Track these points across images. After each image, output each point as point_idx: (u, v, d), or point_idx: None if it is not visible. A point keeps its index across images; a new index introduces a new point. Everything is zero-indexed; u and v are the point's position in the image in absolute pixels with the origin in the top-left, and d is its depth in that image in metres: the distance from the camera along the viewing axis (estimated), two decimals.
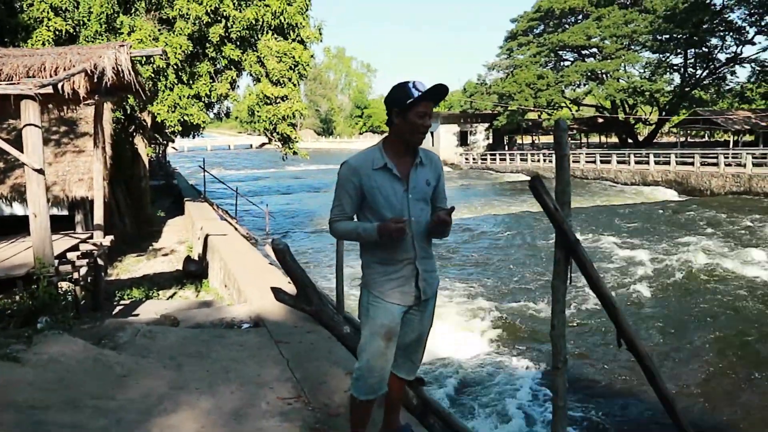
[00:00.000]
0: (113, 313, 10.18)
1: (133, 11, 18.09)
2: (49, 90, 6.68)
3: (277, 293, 4.15)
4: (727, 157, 36.17)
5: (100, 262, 10.15)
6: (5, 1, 17.07)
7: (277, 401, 4.67)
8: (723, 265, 17.37)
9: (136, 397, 4.64)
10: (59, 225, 12.63)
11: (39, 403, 4.23)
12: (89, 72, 7.54)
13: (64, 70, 7.27)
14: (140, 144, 22.04)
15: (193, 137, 28.54)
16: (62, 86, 7.15)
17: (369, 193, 3.34)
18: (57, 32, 16.67)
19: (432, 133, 68.49)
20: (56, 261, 8.03)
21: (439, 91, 3.28)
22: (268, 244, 16.26)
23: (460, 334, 12.20)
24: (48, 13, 16.60)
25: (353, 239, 3.46)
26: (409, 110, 3.28)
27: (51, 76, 7.20)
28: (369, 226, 3.31)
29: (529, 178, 2.95)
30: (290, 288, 4.52)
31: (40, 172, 7.16)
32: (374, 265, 3.44)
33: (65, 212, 13.72)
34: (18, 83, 6.81)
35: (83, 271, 10.79)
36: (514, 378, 10.34)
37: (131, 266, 15.96)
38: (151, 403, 4.52)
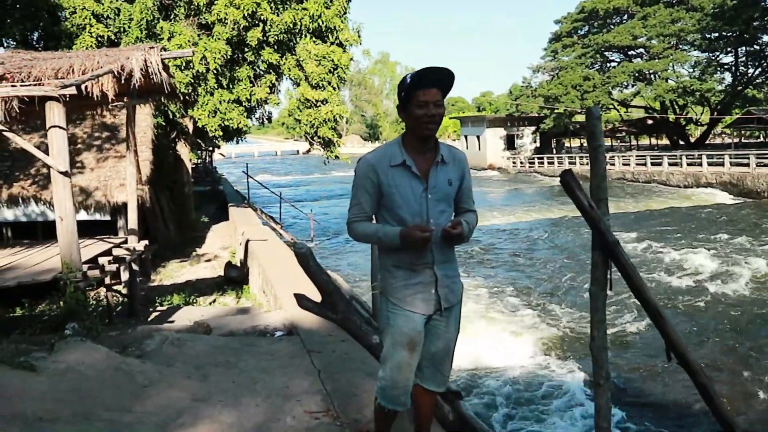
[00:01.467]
0: (148, 319, 10.07)
1: (172, 17, 18.35)
2: (73, 91, 6.58)
3: (301, 300, 3.95)
4: None
5: (134, 267, 10.04)
6: (50, 10, 17.48)
7: (303, 415, 4.44)
8: None
9: (154, 410, 4.44)
10: (102, 230, 12.70)
11: (48, 415, 4.05)
12: (116, 73, 7.44)
13: (92, 71, 7.18)
14: (183, 150, 22.21)
15: (237, 142, 28.73)
16: (87, 87, 7.06)
17: (386, 191, 3.12)
18: (99, 38, 17.03)
19: (478, 137, 68.24)
20: (85, 266, 7.90)
21: (429, 76, 3.06)
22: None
23: (499, 344, 11.83)
24: (90, 19, 17.02)
25: (373, 243, 3.33)
26: (409, 102, 3.09)
27: None
28: (391, 230, 3.09)
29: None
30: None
31: (66, 174, 7.07)
32: (391, 269, 3.22)
33: (107, 217, 13.77)
34: (42, 85, 6.74)
35: (124, 276, 10.74)
36: (556, 391, 9.93)
37: (174, 272, 15.97)
38: (169, 417, 4.31)
